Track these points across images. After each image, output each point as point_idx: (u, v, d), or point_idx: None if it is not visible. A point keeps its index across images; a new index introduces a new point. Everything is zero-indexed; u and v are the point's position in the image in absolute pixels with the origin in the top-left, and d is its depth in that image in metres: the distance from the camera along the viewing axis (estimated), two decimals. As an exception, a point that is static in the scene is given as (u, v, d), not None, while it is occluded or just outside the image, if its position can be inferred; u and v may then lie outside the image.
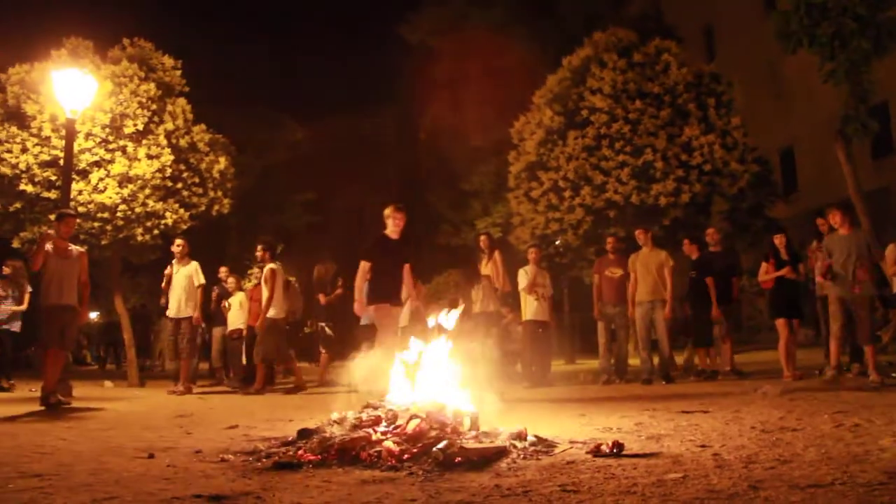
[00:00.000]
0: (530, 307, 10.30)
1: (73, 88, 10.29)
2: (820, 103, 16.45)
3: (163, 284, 10.85)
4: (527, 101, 17.99)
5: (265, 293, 9.91)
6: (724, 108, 15.69)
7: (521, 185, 17.03)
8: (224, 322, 12.41)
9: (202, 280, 10.43)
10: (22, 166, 16.57)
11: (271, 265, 9.94)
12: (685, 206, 15.00)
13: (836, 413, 4.85)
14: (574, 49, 17.30)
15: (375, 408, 4.12)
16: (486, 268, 10.59)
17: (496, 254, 10.69)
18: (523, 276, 10.37)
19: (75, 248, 8.19)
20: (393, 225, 7.61)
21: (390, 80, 29.39)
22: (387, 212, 7.71)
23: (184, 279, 10.25)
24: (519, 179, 17.13)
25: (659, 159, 14.87)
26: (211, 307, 12.51)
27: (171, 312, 10.55)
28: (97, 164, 16.85)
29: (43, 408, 7.35)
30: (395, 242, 7.67)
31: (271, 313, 9.88)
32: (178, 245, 9.76)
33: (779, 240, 8.91)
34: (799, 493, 2.59)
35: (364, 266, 7.54)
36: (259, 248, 10.64)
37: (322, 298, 11.74)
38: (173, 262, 10.73)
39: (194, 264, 10.34)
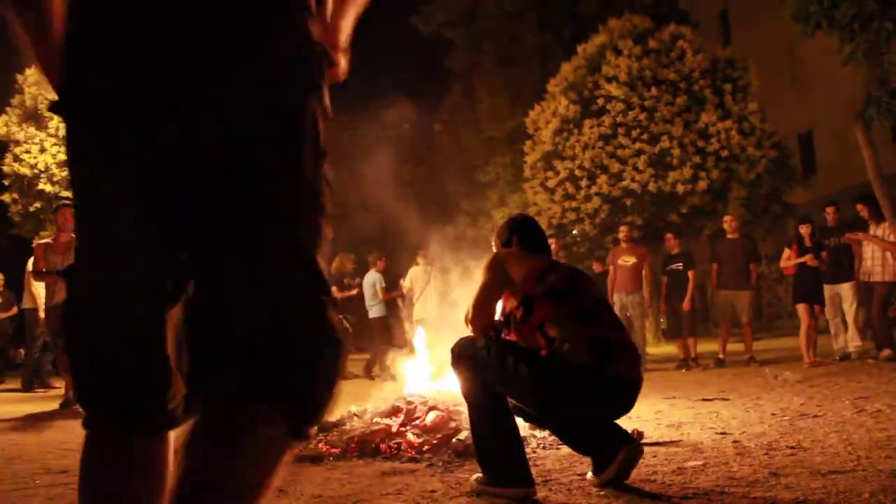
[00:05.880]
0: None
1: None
2: (839, 86, 16.23)
3: None
4: (541, 89, 17.93)
5: None
6: (740, 94, 15.55)
7: (536, 175, 16.98)
8: None
9: None
10: (41, 166, 16.82)
11: None
12: (703, 193, 14.91)
13: (858, 399, 4.82)
14: (589, 36, 17.19)
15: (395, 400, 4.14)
16: None
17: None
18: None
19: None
20: None
21: (404, 72, 29.28)
22: None
23: None
24: (535, 169, 17.08)
25: (676, 146, 14.77)
26: None
27: None
28: (115, 162, 17.07)
29: (66, 407, 7.41)
30: None
31: None
32: None
33: (804, 229, 8.93)
34: (820, 479, 2.58)
35: None
36: None
37: (336, 292, 11.74)
38: None
39: None
